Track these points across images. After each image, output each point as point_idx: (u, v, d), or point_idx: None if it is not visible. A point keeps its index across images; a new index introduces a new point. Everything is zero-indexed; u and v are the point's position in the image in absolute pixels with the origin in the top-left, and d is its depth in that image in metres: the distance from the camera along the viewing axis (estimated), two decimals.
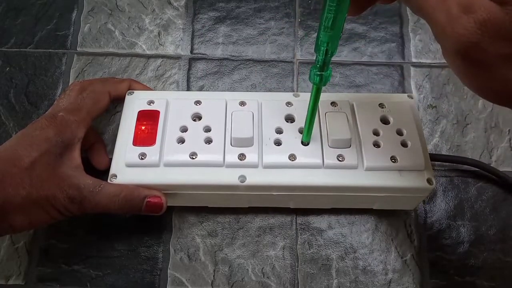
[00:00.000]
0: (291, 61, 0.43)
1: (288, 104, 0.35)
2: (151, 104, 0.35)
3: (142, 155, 0.33)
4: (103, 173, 0.35)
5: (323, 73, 0.27)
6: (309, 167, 0.32)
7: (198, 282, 0.34)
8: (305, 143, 0.33)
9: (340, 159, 0.32)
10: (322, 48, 0.26)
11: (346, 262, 0.35)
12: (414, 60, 0.43)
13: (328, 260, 0.35)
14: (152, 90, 0.40)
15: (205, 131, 0.34)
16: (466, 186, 0.38)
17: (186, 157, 0.33)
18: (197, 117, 0.35)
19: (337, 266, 0.35)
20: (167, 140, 0.33)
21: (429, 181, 0.32)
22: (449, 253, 0.36)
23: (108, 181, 0.32)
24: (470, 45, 0.20)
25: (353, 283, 0.34)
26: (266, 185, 0.32)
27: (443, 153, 0.39)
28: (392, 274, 0.35)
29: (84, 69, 0.43)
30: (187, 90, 0.42)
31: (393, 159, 0.32)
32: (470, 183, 0.38)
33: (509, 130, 0.40)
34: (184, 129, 0.34)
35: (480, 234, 0.36)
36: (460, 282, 0.35)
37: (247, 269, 0.35)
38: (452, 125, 0.40)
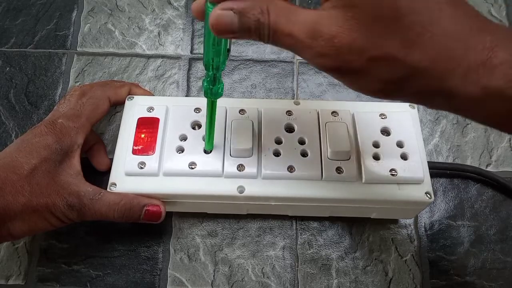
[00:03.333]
0: (291, 61, 0.43)
1: (288, 113, 0.35)
2: (151, 110, 0.35)
3: (142, 164, 0.33)
4: (103, 174, 0.35)
5: (213, 87, 0.28)
6: (308, 179, 0.32)
7: (198, 282, 0.34)
8: (207, 151, 0.33)
9: (339, 171, 0.32)
10: (208, 62, 0.26)
11: (346, 262, 0.35)
12: None
13: (328, 260, 0.35)
14: (152, 94, 0.40)
15: (204, 140, 0.34)
16: (466, 186, 0.38)
17: (185, 167, 0.33)
18: (196, 125, 0.35)
19: (337, 266, 0.35)
20: (167, 149, 0.33)
21: (427, 194, 0.32)
22: (449, 253, 0.36)
23: (108, 189, 0.32)
24: (331, 62, 0.21)
25: (353, 283, 0.34)
26: (265, 196, 0.32)
27: (443, 153, 0.39)
28: (392, 274, 0.35)
29: (84, 69, 0.43)
30: (187, 90, 0.42)
31: (393, 172, 0.32)
32: (470, 183, 0.38)
33: None
34: (183, 138, 0.34)
35: (480, 234, 0.36)
36: (460, 282, 0.35)
37: (247, 269, 0.35)
38: (452, 125, 0.40)
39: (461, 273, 0.35)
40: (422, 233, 0.36)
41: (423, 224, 0.37)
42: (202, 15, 0.24)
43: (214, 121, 0.31)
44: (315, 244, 0.36)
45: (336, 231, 0.36)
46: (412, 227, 0.36)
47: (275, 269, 0.35)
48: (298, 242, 0.36)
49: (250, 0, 0.22)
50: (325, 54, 0.21)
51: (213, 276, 0.35)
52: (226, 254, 0.35)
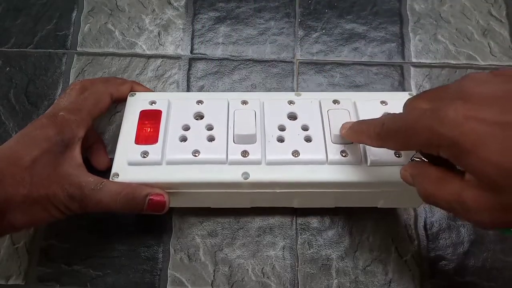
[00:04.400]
0: (291, 61, 0.43)
1: (290, 102, 0.35)
2: (153, 104, 0.35)
3: (144, 153, 0.32)
4: (103, 174, 0.35)
5: None
6: (312, 163, 0.32)
7: (198, 282, 0.34)
8: None
9: (343, 154, 0.32)
10: None
11: (346, 262, 0.35)
12: (414, 60, 0.43)
13: (328, 260, 0.35)
14: (154, 92, 0.40)
15: (207, 129, 0.34)
16: None
17: (188, 155, 0.32)
18: (199, 116, 0.35)
19: (337, 266, 0.35)
20: (170, 139, 0.33)
21: None
22: (449, 253, 0.36)
23: (110, 179, 0.32)
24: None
25: (353, 283, 0.34)
26: (270, 181, 0.32)
27: None
28: (392, 274, 0.35)
29: (84, 69, 0.43)
30: (187, 90, 0.42)
31: (397, 154, 0.32)
32: None
33: None
34: (186, 128, 0.34)
35: (480, 234, 0.36)
36: (460, 282, 0.35)
37: (247, 269, 0.35)
38: None
39: (461, 273, 0.35)
40: (422, 233, 0.36)
41: (423, 224, 0.37)
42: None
43: None
44: (315, 244, 0.36)
45: (336, 231, 0.36)
46: (412, 227, 0.36)
47: (275, 269, 0.35)
48: (298, 242, 0.36)
49: None
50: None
51: (213, 276, 0.35)
52: (226, 254, 0.35)
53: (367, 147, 0.33)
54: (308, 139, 0.33)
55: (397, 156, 0.32)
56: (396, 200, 0.35)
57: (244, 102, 0.35)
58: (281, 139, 0.33)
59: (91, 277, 0.34)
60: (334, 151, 0.33)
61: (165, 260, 0.35)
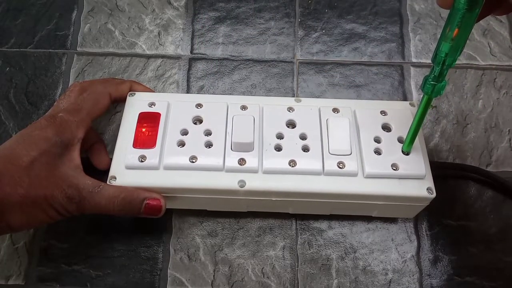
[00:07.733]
0: (291, 61, 0.43)
1: (290, 109, 0.35)
2: (152, 106, 0.35)
3: (142, 158, 0.33)
4: (103, 173, 0.35)
5: (437, 83, 0.27)
6: (309, 173, 0.32)
7: (198, 282, 0.34)
8: (405, 152, 0.33)
9: (340, 165, 0.32)
10: (440, 58, 0.26)
11: (346, 262, 0.35)
12: (414, 60, 0.43)
13: (328, 260, 0.35)
14: (153, 91, 0.39)
15: (205, 135, 0.34)
16: (466, 186, 0.38)
17: (186, 161, 0.33)
18: (198, 121, 0.35)
19: (337, 266, 0.35)
20: (167, 143, 0.33)
21: (429, 190, 0.32)
22: (448, 253, 0.36)
23: (107, 182, 0.32)
24: None
25: (353, 283, 0.34)
26: (266, 190, 0.32)
27: (443, 153, 0.39)
28: (392, 274, 0.35)
29: (84, 69, 0.43)
30: (187, 90, 0.42)
31: (394, 167, 0.32)
32: (470, 183, 0.38)
33: (509, 130, 0.40)
34: (184, 132, 0.34)
35: (480, 234, 0.36)
36: (460, 282, 0.35)
37: (247, 269, 0.35)
38: (452, 125, 0.40)
39: (461, 273, 0.35)
40: (422, 233, 0.36)
41: (423, 224, 0.37)
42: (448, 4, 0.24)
43: (422, 121, 0.31)
44: (315, 244, 0.36)
45: (336, 231, 0.36)
46: (412, 227, 0.36)
47: (275, 269, 0.35)
48: (298, 242, 0.36)
49: None
50: None
51: (213, 276, 0.35)
52: (226, 254, 0.35)
53: (364, 158, 0.33)
54: (305, 149, 0.33)
55: (393, 169, 0.32)
56: (391, 211, 0.35)
57: (244, 107, 0.35)
58: (278, 148, 0.33)
59: (91, 277, 0.34)
60: (331, 162, 0.33)
61: (165, 260, 0.35)
